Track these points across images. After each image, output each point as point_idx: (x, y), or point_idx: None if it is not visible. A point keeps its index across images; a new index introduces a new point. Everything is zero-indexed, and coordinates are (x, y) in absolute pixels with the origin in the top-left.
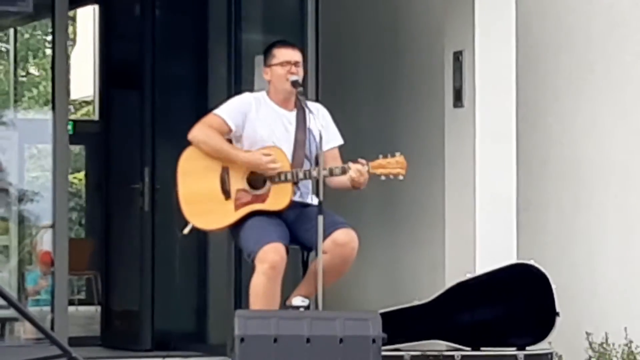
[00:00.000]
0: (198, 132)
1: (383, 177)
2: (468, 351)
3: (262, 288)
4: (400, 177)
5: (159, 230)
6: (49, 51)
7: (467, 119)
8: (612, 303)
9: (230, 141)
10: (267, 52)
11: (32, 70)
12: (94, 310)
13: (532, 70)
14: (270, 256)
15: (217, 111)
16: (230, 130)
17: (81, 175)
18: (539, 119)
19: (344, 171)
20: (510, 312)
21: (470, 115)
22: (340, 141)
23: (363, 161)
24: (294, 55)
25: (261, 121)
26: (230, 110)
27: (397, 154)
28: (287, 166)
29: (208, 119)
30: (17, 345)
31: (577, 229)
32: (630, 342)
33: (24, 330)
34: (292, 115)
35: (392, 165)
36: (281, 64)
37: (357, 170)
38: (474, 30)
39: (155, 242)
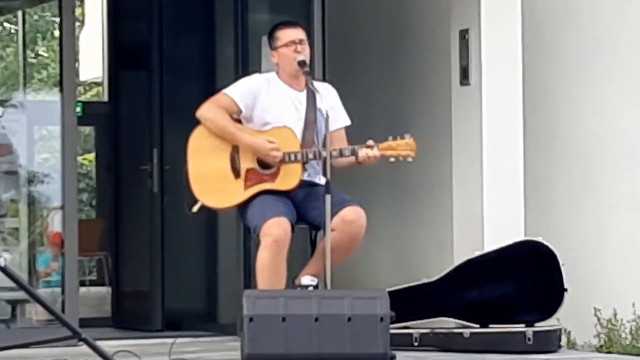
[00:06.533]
0: (206, 111)
1: (392, 159)
2: (477, 328)
3: (267, 261)
4: (410, 159)
5: (168, 211)
6: (57, 33)
7: (474, 97)
8: (621, 279)
9: (239, 121)
10: (270, 36)
11: (41, 52)
12: (105, 291)
13: (539, 48)
14: (274, 230)
15: (227, 91)
16: (240, 111)
17: (91, 156)
18: (546, 96)
19: (353, 153)
20: (518, 289)
21: (477, 93)
22: (347, 122)
23: (372, 142)
24: (297, 33)
25: (271, 102)
26: (240, 91)
27: (407, 135)
28: (297, 146)
29: (218, 97)
30: (28, 327)
31: (585, 206)
32: (639, 317)
33: (35, 312)
34: (302, 95)
35: (402, 147)
36: (286, 44)
37: (365, 154)
38: (480, 9)
39: (165, 222)
